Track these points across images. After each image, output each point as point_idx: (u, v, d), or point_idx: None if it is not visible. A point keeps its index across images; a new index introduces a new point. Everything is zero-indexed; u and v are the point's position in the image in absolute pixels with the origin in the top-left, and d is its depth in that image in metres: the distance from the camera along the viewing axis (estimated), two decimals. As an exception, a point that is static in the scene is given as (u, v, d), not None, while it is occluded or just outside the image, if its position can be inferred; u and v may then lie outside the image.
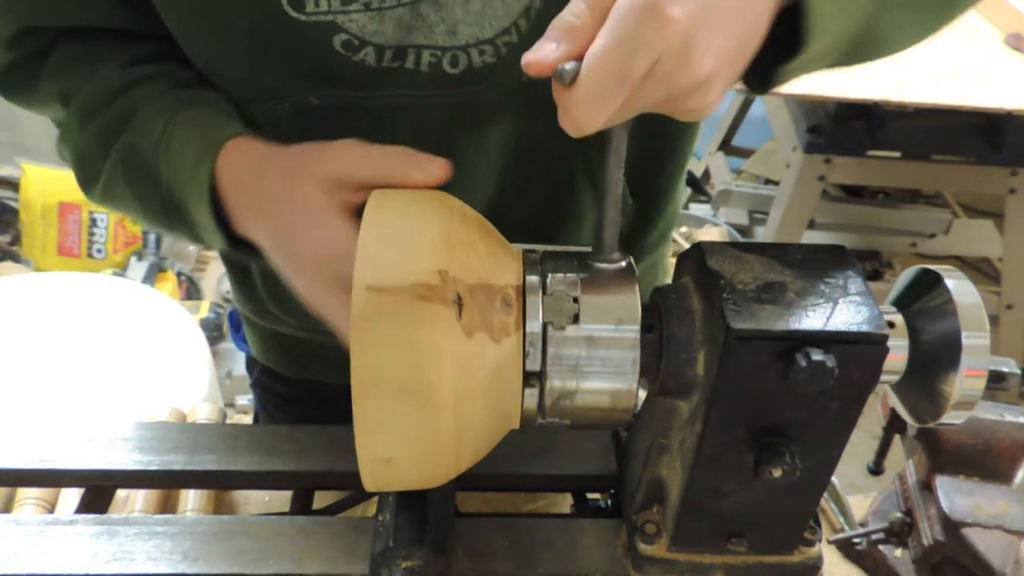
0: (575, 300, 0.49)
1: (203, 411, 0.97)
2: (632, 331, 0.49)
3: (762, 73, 0.51)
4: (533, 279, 0.50)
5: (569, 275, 0.50)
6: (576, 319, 0.48)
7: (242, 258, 0.64)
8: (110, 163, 0.66)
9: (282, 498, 0.81)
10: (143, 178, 0.64)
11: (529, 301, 0.49)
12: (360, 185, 0.55)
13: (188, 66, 0.69)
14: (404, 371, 0.45)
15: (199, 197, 0.60)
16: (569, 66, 0.42)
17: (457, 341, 0.45)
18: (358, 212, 0.53)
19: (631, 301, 0.50)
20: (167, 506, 0.81)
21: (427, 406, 0.45)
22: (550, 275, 0.50)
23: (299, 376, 0.94)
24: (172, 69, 0.68)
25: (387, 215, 0.49)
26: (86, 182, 0.70)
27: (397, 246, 0.47)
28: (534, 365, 0.48)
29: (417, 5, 0.61)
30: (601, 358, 0.49)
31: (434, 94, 0.65)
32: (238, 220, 0.60)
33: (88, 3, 0.65)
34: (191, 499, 0.81)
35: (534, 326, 0.48)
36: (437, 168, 0.55)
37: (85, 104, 0.67)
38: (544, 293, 0.49)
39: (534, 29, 0.64)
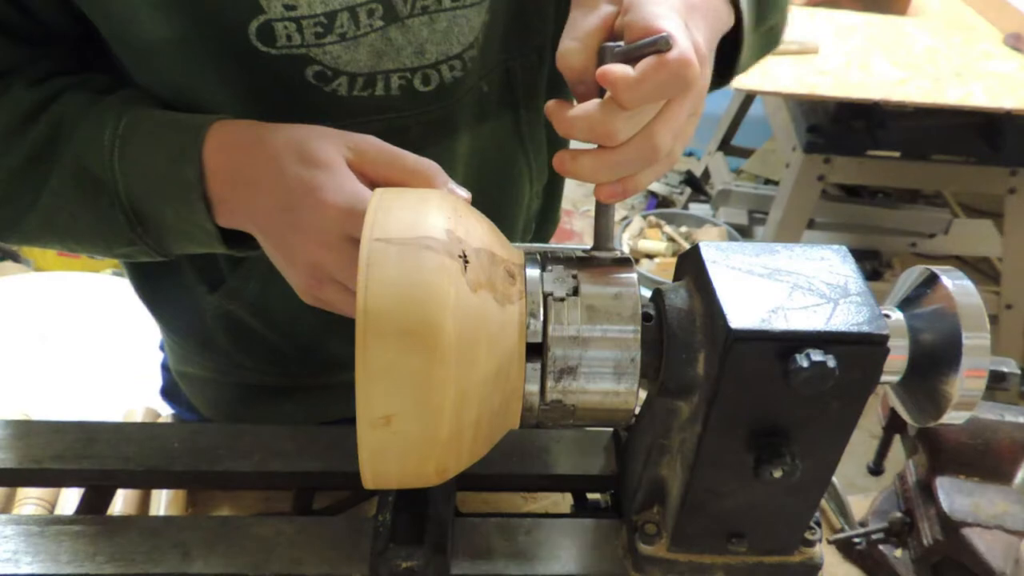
0: (574, 276, 0.50)
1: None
2: (631, 303, 0.49)
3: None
4: (533, 265, 0.51)
5: (568, 261, 0.51)
6: (576, 291, 0.49)
7: (232, 252, 0.61)
8: (50, 189, 0.60)
9: (282, 498, 0.81)
10: (96, 195, 0.59)
11: (530, 280, 0.50)
12: (374, 180, 0.54)
13: (99, 69, 0.65)
14: (408, 314, 0.44)
15: (182, 197, 0.56)
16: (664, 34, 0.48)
17: (461, 291, 0.46)
18: None
19: (629, 280, 0.50)
20: (143, 508, 0.80)
21: (429, 353, 0.45)
22: (549, 263, 0.51)
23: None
24: (87, 76, 0.64)
25: (396, 190, 0.51)
26: (9, 220, 0.62)
27: (406, 209, 0.48)
28: (536, 337, 0.49)
29: (387, 30, 0.61)
30: (602, 327, 0.49)
31: (410, 114, 0.65)
32: (227, 206, 0.57)
33: None
34: (163, 502, 0.80)
35: (535, 297, 0.49)
36: (464, 195, 0.54)
37: None
38: (544, 270, 0.50)
39: (487, 40, 0.67)
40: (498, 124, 0.75)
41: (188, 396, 0.91)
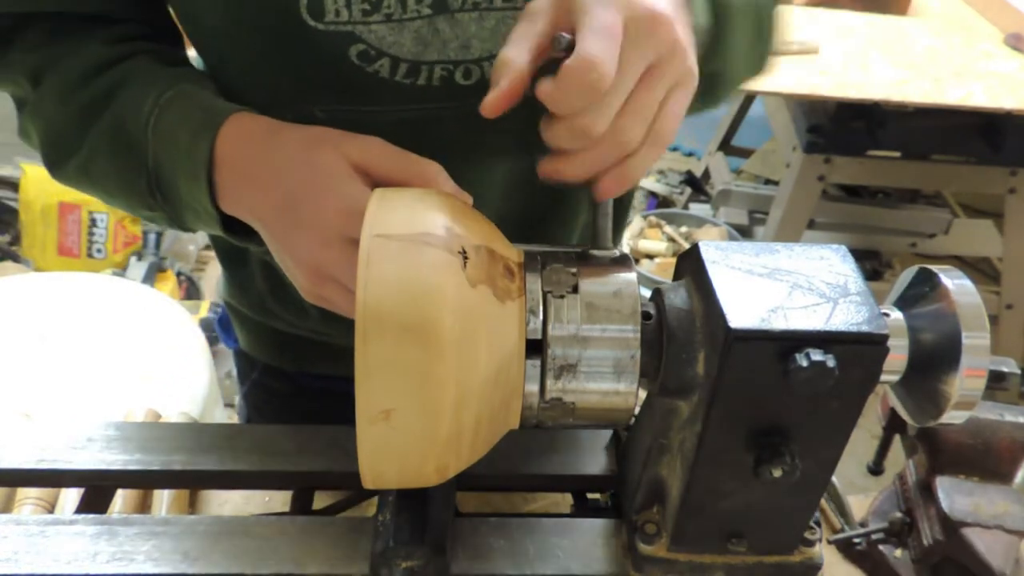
0: (574, 274, 0.50)
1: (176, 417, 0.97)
2: (631, 300, 0.49)
3: None
4: (533, 263, 0.51)
5: (567, 259, 0.51)
6: (575, 289, 0.49)
7: (232, 240, 0.63)
8: (92, 137, 0.64)
9: (282, 498, 0.81)
10: (128, 154, 0.62)
11: (529, 277, 0.50)
12: (379, 180, 0.55)
13: (178, 46, 0.69)
14: (407, 309, 0.44)
15: (193, 174, 0.59)
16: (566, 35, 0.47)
17: (461, 286, 0.46)
18: None
19: (628, 278, 0.50)
20: (143, 508, 0.81)
21: (429, 348, 0.45)
22: (549, 261, 0.51)
23: (297, 369, 0.93)
24: (162, 48, 0.68)
25: (394, 189, 0.51)
26: (58, 158, 0.67)
27: (406, 204, 0.48)
28: (535, 334, 0.49)
29: (434, 19, 0.61)
30: (602, 324, 0.49)
31: (447, 106, 0.65)
32: (231, 196, 0.59)
33: None
34: (164, 502, 0.81)
35: (535, 294, 0.49)
36: (466, 198, 0.55)
37: (66, 78, 0.64)
38: (543, 268, 0.50)
39: None
40: None
41: (234, 326, 0.95)
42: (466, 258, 0.47)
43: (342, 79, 0.62)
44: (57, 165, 0.68)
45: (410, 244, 0.45)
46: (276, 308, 0.84)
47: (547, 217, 0.78)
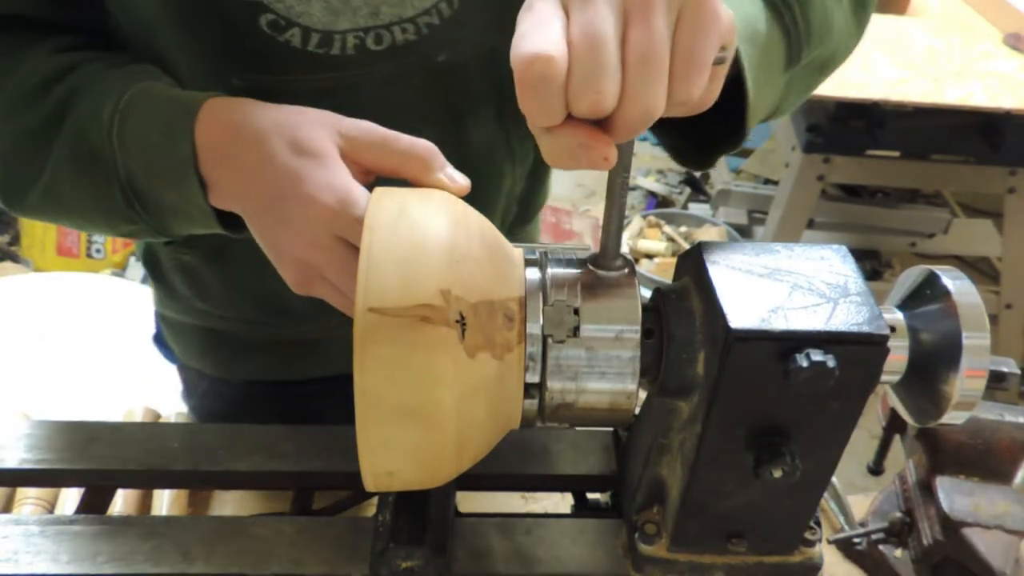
0: (575, 312, 0.48)
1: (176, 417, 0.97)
2: (632, 338, 0.49)
3: (701, 155, 0.62)
4: (534, 286, 0.49)
5: (570, 282, 0.49)
6: (576, 331, 0.48)
7: (234, 236, 0.59)
8: (53, 158, 0.59)
9: (282, 498, 0.81)
10: (96, 169, 0.57)
11: (530, 310, 0.48)
12: (369, 167, 0.54)
13: (121, 49, 0.66)
14: (406, 394, 0.44)
15: (179, 173, 0.55)
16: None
17: (460, 363, 0.45)
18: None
19: (632, 308, 0.49)
20: (143, 508, 0.81)
21: (429, 426, 0.45)
22: (551, 285, 0.49)
23: (236, 378, 0.90)
24: (106, 54, 0.65)
25: (390, 222, 0.47)
26: (19, 190, 0.62)
27: (400, 265, 0.45)
28: (534, 377, 0.48)
29: None
30: (601, 367, 0.49)
31: (361, 72, 0.64)
32: (220, 188, 0.56)
33: None
34: (164, 502, 0.81)
35: (535, 340, 0.48)
36: (462, 180, 0.53)
37: (12, 99, 0.60)
38: (545, 303, 0.49)
39: (456, 14, 0.65)
40: (474, 102, 0.72)
41: (167, 338, 0.92)
42: (464, 325, 0.45)
43: (255, 48, 0.61)
44: (18, 198, 0.62)
45: (406, 322, 0.44)
46: (204, 307, 0.81)
47: (477, 177, 0.77)
